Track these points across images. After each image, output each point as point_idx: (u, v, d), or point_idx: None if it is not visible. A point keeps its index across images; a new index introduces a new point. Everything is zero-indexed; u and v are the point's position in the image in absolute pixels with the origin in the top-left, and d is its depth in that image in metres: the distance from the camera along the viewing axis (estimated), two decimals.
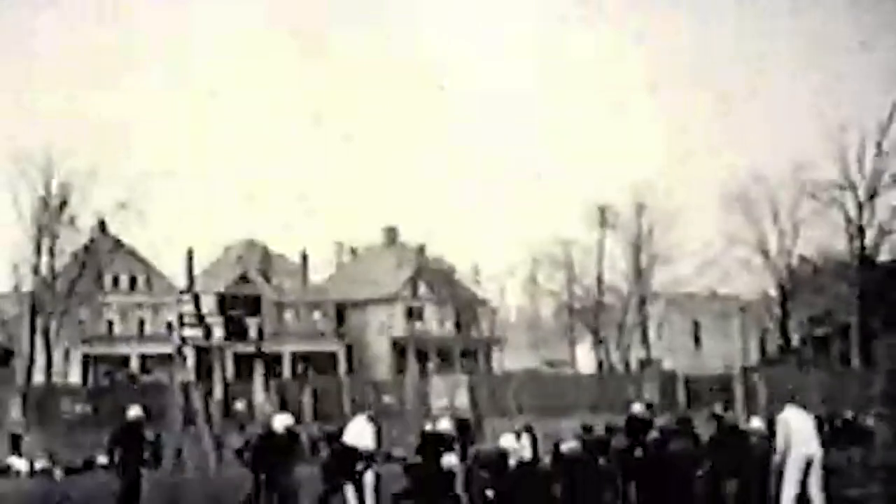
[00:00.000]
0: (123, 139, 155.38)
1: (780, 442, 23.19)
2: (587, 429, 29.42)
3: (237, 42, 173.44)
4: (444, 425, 28.63)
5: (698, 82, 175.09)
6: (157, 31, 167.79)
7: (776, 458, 23.50)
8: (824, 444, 23.99)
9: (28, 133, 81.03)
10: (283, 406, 60.03)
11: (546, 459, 28.20)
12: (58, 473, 36.44)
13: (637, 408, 32.27)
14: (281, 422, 25.60)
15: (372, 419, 28.07)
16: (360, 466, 26.34)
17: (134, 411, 26.34)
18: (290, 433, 26.48)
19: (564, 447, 25.83)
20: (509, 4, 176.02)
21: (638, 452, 26.27)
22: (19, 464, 37.43)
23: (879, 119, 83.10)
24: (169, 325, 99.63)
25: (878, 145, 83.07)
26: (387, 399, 71.67)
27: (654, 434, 27.21)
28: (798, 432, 23.11)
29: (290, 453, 26.21)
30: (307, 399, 66.56)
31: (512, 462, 25.71)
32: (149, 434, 30.29)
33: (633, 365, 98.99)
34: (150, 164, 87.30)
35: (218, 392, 49.72)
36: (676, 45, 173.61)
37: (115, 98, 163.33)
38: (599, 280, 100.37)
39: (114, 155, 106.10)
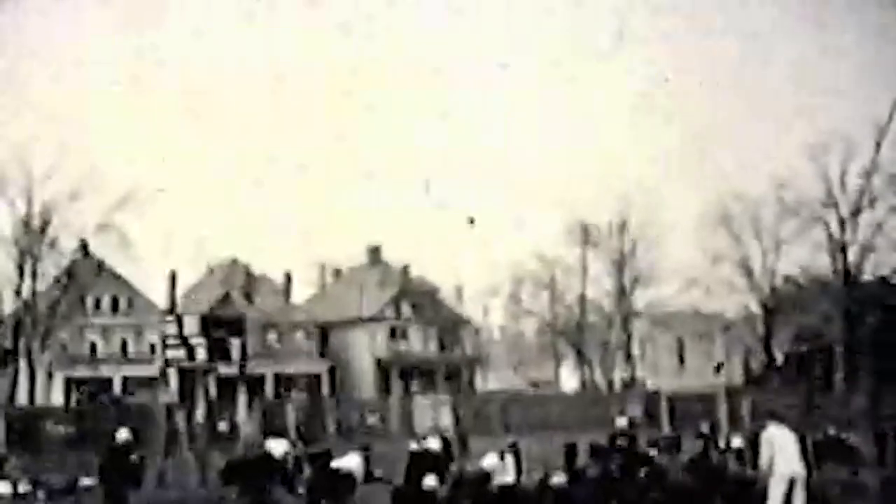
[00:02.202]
0: (105, 160, 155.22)
1: (763, 460, 23.13)
2: (571, 449, 29.38)
3: (216, 64, 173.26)
4: (432, 443, 28.66)
5: (682, 100, 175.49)
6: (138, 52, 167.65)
7: (760, 476, 23.53)
8: (808, 462, 23.95)
9: (8, 154, 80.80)
10: (267, 427, 59.92)
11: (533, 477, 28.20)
12: (41, 496, 36.19)
13: (621, 422, 32.33)
14: (279, 446, 25.74)
15: (364, 450, 28.16)
16: (342, 489, 26.37)
17: (123, 434, 26.27)
18: (271, 457, 26.58)
19: (554, 480, 25.95)
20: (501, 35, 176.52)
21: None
22: (2, 487, 37.15)
23: (876, 121, 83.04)
24: (152, 347, 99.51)
25: (878, 145, 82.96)
26: (371, 419, 71.63)
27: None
28: (782, 451, 23.05)
29: (281, 475, 26.36)
30: (291, 420, 66.48)
31: (495, 482, 25.73)
32: (133, 456, 30.21)
33: (617, 384, 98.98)
34: (132, 186, 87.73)
35: (201, 413, 49.38)
36: (659, 67, 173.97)
37: (97, 118, 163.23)
38: (582, 299, 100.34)
39: (95, 176, 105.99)
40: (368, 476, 35.62)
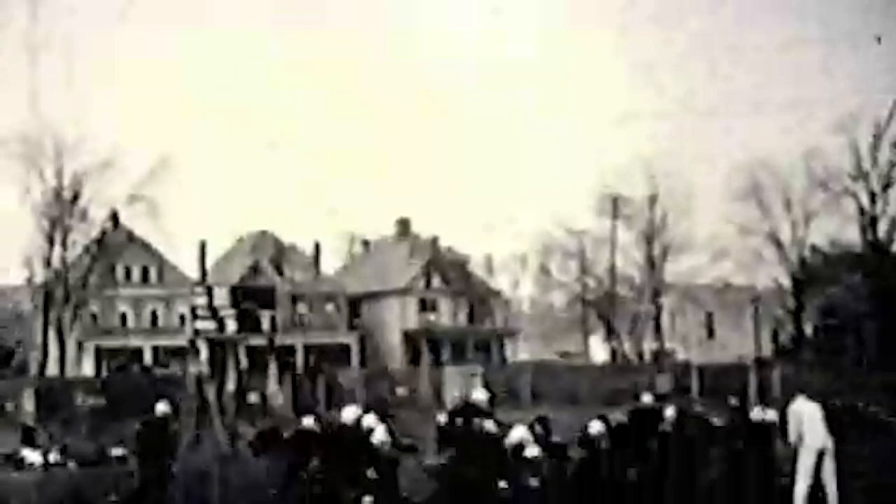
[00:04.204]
0: (135, 130, 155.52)
1: (792, 433, 23.11)
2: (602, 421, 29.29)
3: (246, 33, 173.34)
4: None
5: (708, 70, 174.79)
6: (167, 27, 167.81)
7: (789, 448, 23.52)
8: (836, 435, 23.90)
9: (40, 125, 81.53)
10: (296, 398, 60.09)
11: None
12: (71, 466, 36.37)
13: (646, 398, 32.15)
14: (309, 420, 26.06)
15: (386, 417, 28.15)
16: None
17: (162, 406, 26.50)
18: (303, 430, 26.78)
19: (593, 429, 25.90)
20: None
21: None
22: (33, 456, 37.33)
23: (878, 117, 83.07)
24: (181, 318, 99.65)
25: (876, 138, 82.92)
26: (400, 391, 71.65)
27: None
28: (810, 423, 23.03)
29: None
30: (320, 391, 66.58)
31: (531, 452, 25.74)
32: (170, 429, 30.46)
33: (647, 356, 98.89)
34: (161, 157, 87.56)
35: (231, 384, 49.63)
36: (684, 34, 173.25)
37: (127, 89, 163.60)
38: (612, 271, 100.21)
39: (126, 146, 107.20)
40: (395, 444, 35.60)
